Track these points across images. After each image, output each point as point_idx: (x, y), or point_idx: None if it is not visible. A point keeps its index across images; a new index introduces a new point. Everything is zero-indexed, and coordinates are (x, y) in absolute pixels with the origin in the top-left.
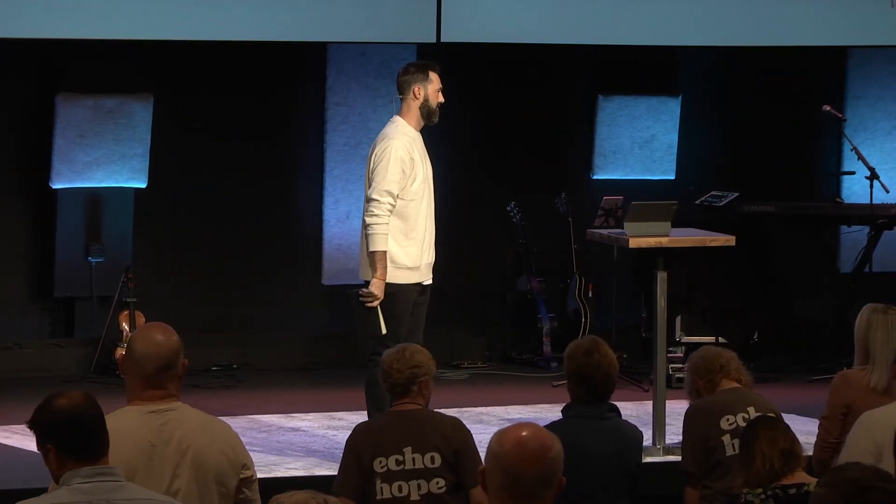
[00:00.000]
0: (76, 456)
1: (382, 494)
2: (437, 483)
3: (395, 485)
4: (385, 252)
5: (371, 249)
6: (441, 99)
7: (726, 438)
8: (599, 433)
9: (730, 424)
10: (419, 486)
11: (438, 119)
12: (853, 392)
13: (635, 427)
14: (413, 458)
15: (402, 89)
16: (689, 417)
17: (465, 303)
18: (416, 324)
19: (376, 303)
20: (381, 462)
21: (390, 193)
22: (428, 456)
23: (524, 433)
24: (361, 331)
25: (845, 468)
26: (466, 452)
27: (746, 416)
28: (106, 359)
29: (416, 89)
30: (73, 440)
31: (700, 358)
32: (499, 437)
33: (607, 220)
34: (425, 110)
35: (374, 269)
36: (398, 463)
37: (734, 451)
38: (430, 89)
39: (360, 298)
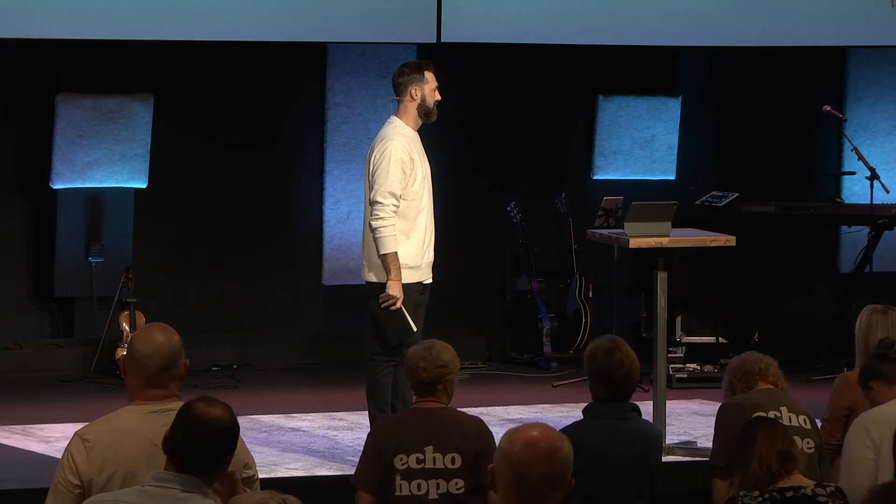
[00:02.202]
0: (176, 462)
1: (401, 491)
2: (457, 484)
3: (415, 483)
4: (396, 253)
5: (382, 252)
6: (438, 97)
7: None
8: (621, 433)
9: None
10: (438, 486)
11: (437, 117)
12: (855, 394)
13: (655, 427)
14: (434, 458)
15: (399, 91)
16: (720, 413)
17: (464, 303)
18: (416, 323)
19: (399, 304)
20: (401, 459)
21: (393, 195)
22: (449, 456)
23: (535, 433)
24: (391, 338)
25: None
26: (487, 454)
27: (778, 414)
28: (106, 359)
29: (413, 90)
30: (183, 449)
31: (740, 360)
32: (509, 436)
33: (607, 220)
34: (423, 110)
35: (388, 272)
36: (419, 461)
37: None
38: (427, 89)
39: (383, 304)
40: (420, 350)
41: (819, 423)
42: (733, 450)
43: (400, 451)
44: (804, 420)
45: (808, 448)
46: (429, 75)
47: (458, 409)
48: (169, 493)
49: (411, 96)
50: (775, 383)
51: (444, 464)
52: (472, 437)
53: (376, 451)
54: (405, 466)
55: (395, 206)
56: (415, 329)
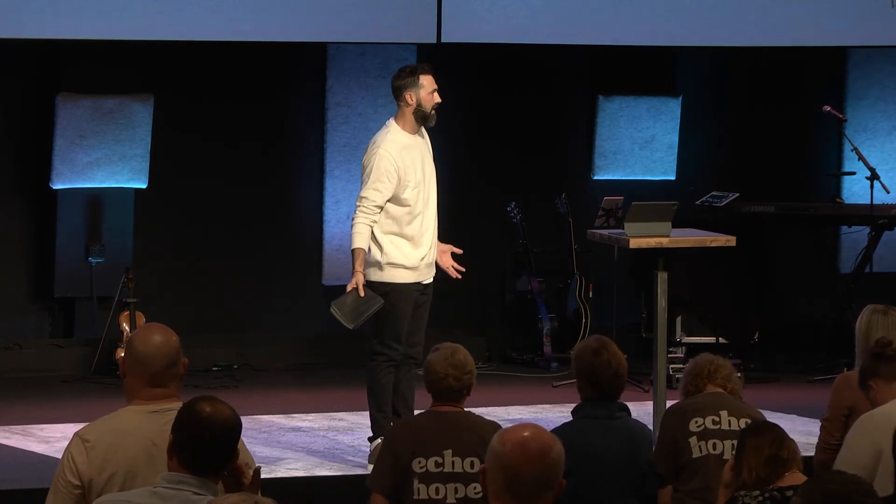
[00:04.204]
0: (185, 464)
1: (419, 495)
2: (475, 488)
3: (433, 486)
4: (363, 250)
5: (351, 247)
6: (436, 100)
7: (693, 440)
8: (610, 433)
9: (698, 426)
10: (456, 490)
11: (435, 122)
12: (855, 393)
13: (645, 426)
14: (453, 462)
15: (396, 95)
16: (663, 419)
17: (464, 303)
18: (418, 323)
19: (349, 288)
20: (420, 462)
21: (372, 199)
22: (468, 461)
23: (526, 433)
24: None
25: (826, 479)
26: None
27: (717, 419)
28: (106, 359)
29: (409, 95)
30: (193, 450)
31: (693, 363)
32: (500, 436)
33: (608, 221)
34: (419, 115)
35: (352, 264)
36: (437, 465)
37: (700, 452)
38: (423, 94)
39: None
40: (445, 358)
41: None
42: (735, 454)
43: (418, 454)
44: (745, 423)
45: None
46: (424, 79)
47: (476, 413)
48: (181, 495)
49: (407, 101)
50: (724, 386)
51: (462, 468)
52: None
53: (393, 453)
54: (423, 470)
55: (374, 207)
56: (350, 326)
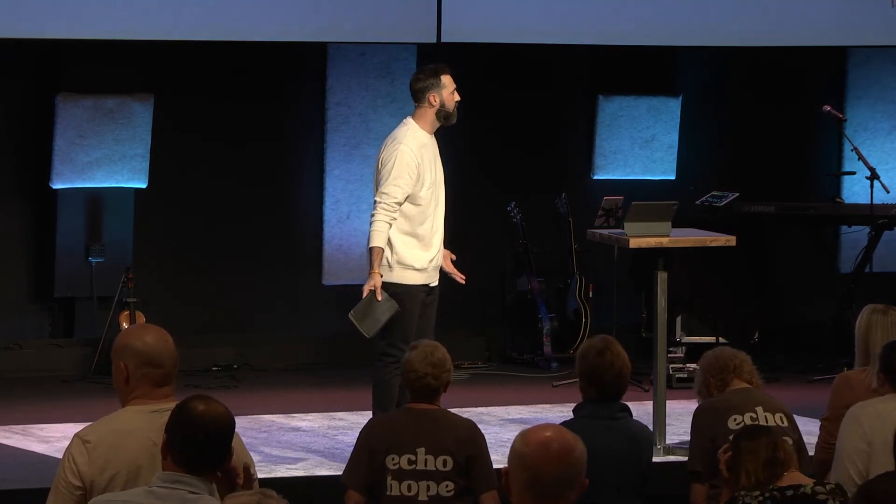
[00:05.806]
0: (179, 462)
1: (391, 491)
2: (447, 486)
3: (405, 483)
4: (381, 249)
5: (370, 245)
6: (457, 98)
7: None
8: (611, 433)
9: (737, 424)
10: (428, 488)
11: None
12: (855, 393)
13: (646, 427)
14: (425, 460)
15: (418, 98)
16: (696, 417)
17: (464, 303)
18: (425, 324)
19: (366, 291)
20: (393, 459)
21: (393, 196)
22: (440, 459)
23: (548, 433)
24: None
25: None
26: (480, 458)
27: (754, 415)
28: (106, 359)
29: (432, 97)
30: (188, 449)
31: (714, 357)
32: (523, 437)
33: (607, 220)
34: (442, 114)
35: (370, 264)
36: (410, 462)
37: None
38: (445, 94)
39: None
40: (424, 356)
41: (814, 422)
42: (731, 460)
43: (392, 450)
44: (781, 418)
45: None
46: (446, 79)
47: (451, 411)
48: (177, 494)
49: (430, 103)
50: (750, 381)
51: (435, 466)
52: (465, 441)
53: (368, 450)
54: (396, 467)
55: (395, 204)
56: (366, 335)
